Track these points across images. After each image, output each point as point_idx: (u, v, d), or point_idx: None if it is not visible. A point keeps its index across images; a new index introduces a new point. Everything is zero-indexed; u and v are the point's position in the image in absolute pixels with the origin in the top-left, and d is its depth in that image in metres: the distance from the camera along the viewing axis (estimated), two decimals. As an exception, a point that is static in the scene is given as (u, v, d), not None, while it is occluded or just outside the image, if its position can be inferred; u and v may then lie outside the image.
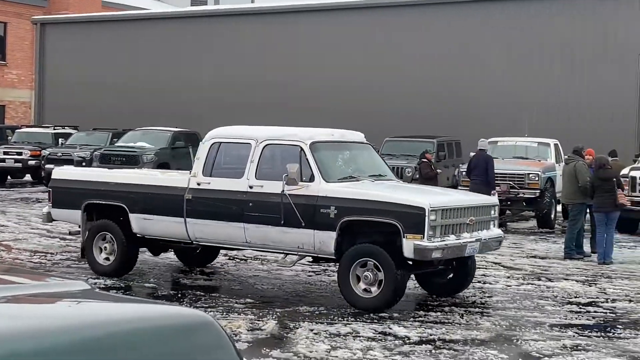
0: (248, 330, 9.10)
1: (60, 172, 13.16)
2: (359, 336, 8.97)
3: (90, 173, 14.31)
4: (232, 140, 11.84)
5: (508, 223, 20.65)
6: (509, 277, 12.98)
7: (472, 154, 19.60)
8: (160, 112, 33.66)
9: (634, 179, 18.46)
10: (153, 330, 2.30)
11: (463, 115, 28.85)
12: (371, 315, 10.01)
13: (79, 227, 12.56)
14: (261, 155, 11.16)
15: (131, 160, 25.07)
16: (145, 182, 12.15)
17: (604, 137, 25.17)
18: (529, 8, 29.54)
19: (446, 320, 9.83)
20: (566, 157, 17.34)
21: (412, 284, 11.36)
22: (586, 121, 27.46)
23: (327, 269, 12.96)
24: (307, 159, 10.79)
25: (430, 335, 9.07)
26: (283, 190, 10.56)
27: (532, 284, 12.49)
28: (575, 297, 11.60)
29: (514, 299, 11.35)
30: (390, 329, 9.32)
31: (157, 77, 35.41)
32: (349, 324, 9.51)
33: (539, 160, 21.15)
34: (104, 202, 12.25)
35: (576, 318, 10.26)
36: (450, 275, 11.57)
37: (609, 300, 11.44)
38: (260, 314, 9.98)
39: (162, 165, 25.18)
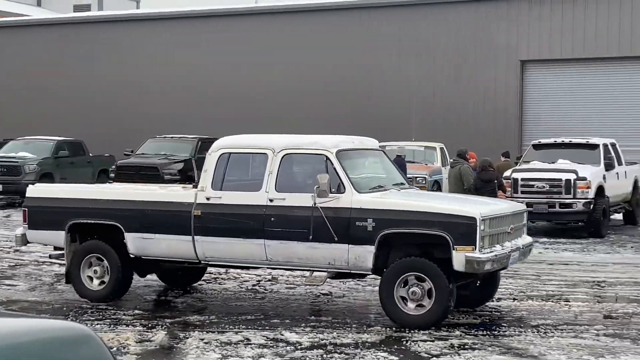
0: (137, 342, 8.96)
1: (38, 190, 11.74)
2: (250, 344, 8.97)
3: (76, 189, 12.66)
4: (244, 150, 10.97)
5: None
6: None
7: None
8: (90, 120, 33.12)
9: (515, 180, 19.14)
10: (31, 344, 2.30)
11: (355, 119, 29.18)
12: (262, 322, 10.04)
13: (57, 249, 11.55)
14: (280, 165, 10.36)
15: (12, 171, 24.34)
16: (144, 199, 11.05)
17: (488, 141, 25.95)
18: (418, 13, 30.17)
19: (337, 324, 9.91)
20: (451, 160, 17.80)
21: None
22: (471, 125, 28.22)
23: (217, 277, 12.96)
24: (334, 169, 10.11)
25: (322, 340, 9.12)
26: (315, 203, 9.85)
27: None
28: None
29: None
30: (282, 335, 9.34)
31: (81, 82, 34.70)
32: (240, 332, 9.50)
33: (426, 164, 21.66)
34: (93, 222, 11.10)
35: (463, 318, 10.47)
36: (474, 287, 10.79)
37: (494, 299, 11.72)
38: (150, 324, 9.86)
39: (45, 175, 24.57)
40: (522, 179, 19.44)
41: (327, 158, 10.16)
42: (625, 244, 19.07)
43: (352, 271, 10.30)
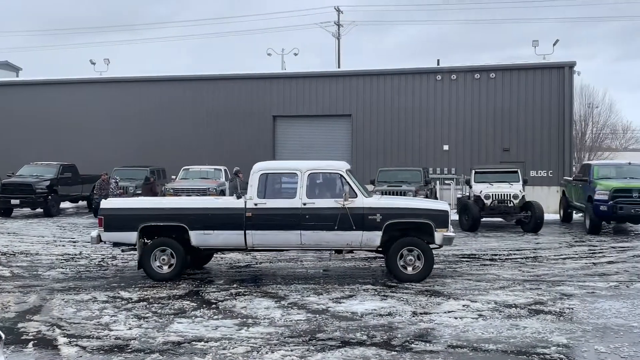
0: (16, 304, 8.42)
1: (109, 203, 10.62)
2: (97, 300, 8.67)
3: (144, 202, 11.69)
4: (278, 171, 10.43)
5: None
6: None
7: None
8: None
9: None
10: None
11: (167, 151, 28.61)
12: (105, 285, 9.71)
13: (125, 245, 10.47)
14: (307, 181, 10.13)
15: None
16: (204, 206, 10.35)
17: (250, 164, 26.34)
18: (211, 85, 30.13)
19: (158, 285, 9.76)
20: (230, 177, 17.98)
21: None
22: (246, 156, 28.61)
23: (82, 253, 12.31)
24: (348, 182, 10.09)
25: (146, 295, 8.98)
26: (344, 205, 9.87)
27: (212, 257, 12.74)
28: (238, 263, 11.92)
29: (203, 267, 11.45)
30: (119, 294, 9.09)
31: None
32: (90, 293, 9.14)
33: (215, 179, 21.72)
34: (163, 224, 10.22)
35: (238, 276, 10.60)
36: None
37: (258, 263, 11.88)
38: (26, 291, 9.26)
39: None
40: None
41: (341, 175, 10.20)
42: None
43: (362, 249, 10.33)
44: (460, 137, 28.08)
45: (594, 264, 11.89)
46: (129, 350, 6.39)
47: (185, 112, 30.08)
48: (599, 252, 13.42)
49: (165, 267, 10.17)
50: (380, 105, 28.88)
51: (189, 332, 6.99)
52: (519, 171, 19.91)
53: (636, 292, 9.04)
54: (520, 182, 19.22)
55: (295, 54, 40.11)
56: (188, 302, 8.47)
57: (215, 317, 7.68)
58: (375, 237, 9.98)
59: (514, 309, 7.99)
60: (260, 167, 10.38)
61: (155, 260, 10.17)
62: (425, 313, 7.77)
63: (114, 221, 10.16)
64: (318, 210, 9.94)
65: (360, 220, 9.94)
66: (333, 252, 10.68)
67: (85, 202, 25.55)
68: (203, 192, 20.04)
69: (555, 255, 13.00)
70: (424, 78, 28.63)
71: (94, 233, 10.38)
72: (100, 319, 7.61)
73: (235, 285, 9.65)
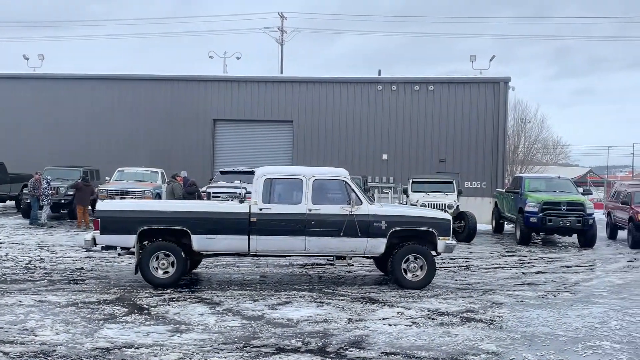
0: None
1: (106, 204, 10.15)
2: (22, 304, 8.30)
3: (145, 204, 11.34)
4: (283, 177, 10.22)
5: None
6: (130, 258, 12.77)
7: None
8: None
9: (209, 193, 19.46)
10: None
11: (107, 153, 27.84)
12: (32, 288, 9.31)
13: (121, 249, 9.98)
14: (313, 187, 9.98)
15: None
16: (207, 210, 10.09)
17: (194, 168, 26.01)
18: (156, 85, 29.54)
19: (88, 289, 9.44)
20: (168, 180, 17.64)
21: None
22: (187, 159, 28.20)
23: (8, 255, 11.77)
24: (352, 189, 10.03)
25: (76, 299, 8.67)
26: (352, 212, 9.83)
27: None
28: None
29: (192, 272, 11.20)
30: (47, 298, 8.73)
31: None
32: (15, 296, 8.74)
33: (152, 182, 21.24)
34: (163, 227, 9.78)
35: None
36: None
37: (208, 267, 11.76)
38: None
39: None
40: (213, 192, 19.78)
41: (346, 182, 10.10)
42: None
43: (365, 255, 10.31)
44: (399, 147, 28.55)
45: (524, 273, 12.28)
46: (55, 356, 6.13)
47: (122, 112, 29.36)
48: (529, 262, 13.89)
49: (165, 272, 9.76)
50: (322, 112, 29.05)
51: (118, 338, 6.78)
52: (454, 182, 20.40)
53: (562, 302, 9.38)
54: (455, 193, 19.69)
55: (238, 58, 39.86)
56: (119, 307, 8.23)
57: (147, 322, 7.48)
58: (379, 244, 9.99)
59: (446, 316, 8.14)
60: (265, 172, 10.22)
61: (154, 264, 9.75)
62: (361, 320, 7.82)
63: (111, 223, 9.67)
64: (324, 217, 9.88)
65: (365, 227, 9.92)
66: (335, 257, 10.66)
67: (13, 202, 24.49)
68: (138, 195, 19.56)
69: (486, 265, 13.36)
70: (365, 88, 28.99)
71: (88, 236, 9.88)
72: (25, 324, 7.28)
73: (169, 291, 9.44)
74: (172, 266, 9.74)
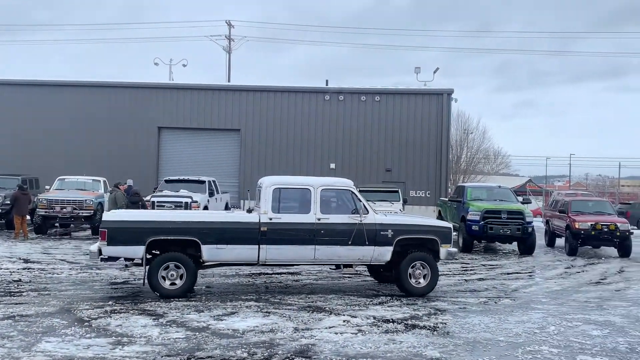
0: None
1: (113, 215, 9.94)
2: (-46, 319, 7.92)
3: (154, 214, 11.24)
4: (292, 186, 10.22)
5: (72, 233, 19.85)
6: (70, 269, 12.43)
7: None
8: None
9: (153, 202, 19.10)
10: None
11: (47, 161, 26.95)
12: (-36, 303, 8.89)
13: (128, 260, 9.68)
14: (321, 196, 10.10)
15: None
16: (217, 220, 9.96)
17: (140, 176, 25.44)
18: (89, 92, 28.82)
19: (25, 302, 9.08)
20: (110, 189, 17.22)
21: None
22: (132, 167, 27.60)
23: None
24: (359, 199, 10.26)
25: (13, 313, 8.32)
26: (361, 221, 10.03)
27: (87, 272, 12.11)
28: (115, 279, 11.38)
29: (75, 283, 10.86)
30: (-20, 311, 8.37)
31: None
32: (-54, 311, 8.34)
33: (93, 191, 20.67)
34: (173, 238, 9.56)
35: (114, 292, 10.13)
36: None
37: (136, 279, 11.40)
38: None
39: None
40: (158, 201, 19.44)
41: (352, 192, 10.31)
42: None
43: (372, 263, 10.44)
44: (347, 156, 28.77)
45: (466, 280, 12.53)
46: (-12, 373, 5.87)
47: (64, 119, 28.56)
48: (471, 270, 14.18)
49: (174, 283, 9.62)
50: (270, 121, 29.01)
51: (57, 352, 6.54)
52: (399, 191, 20.67)
53: (503, 308, 9.62)
54: (401, 202, 19.94)
55: (184, 65, 39.43)
56: (58, 320, 7.95)
57: (88, 335, 7.26)
58: (386, 252, 10.18)
59: (391, 324, 8.22)
60: (273, 182, 10.22)
61: (163, 275, 9.59)
62: (307, 329, 7.80)
63: (119, 234, 9.39)
64: (333, 226, 9.98)
65: (373, 235, 10.09)
66: (342, 266, 10.98)
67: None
68: (79, 204, 19.02)
69: (431, 272, 13.57)
70: (312, 97, 29.14)
71: (94, 247, 9.57)
72: (-44, 340, 6.94)
73: (110, 303, 9.19)
74: (181, 278, 9.63)
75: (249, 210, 10.48)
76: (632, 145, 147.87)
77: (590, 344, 7.43)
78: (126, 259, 9.69)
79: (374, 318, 8.53)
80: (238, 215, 10.41)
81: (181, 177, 22.29)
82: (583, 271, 14.77)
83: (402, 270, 10.28)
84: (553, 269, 15.06)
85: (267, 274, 12.60)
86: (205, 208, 20.34)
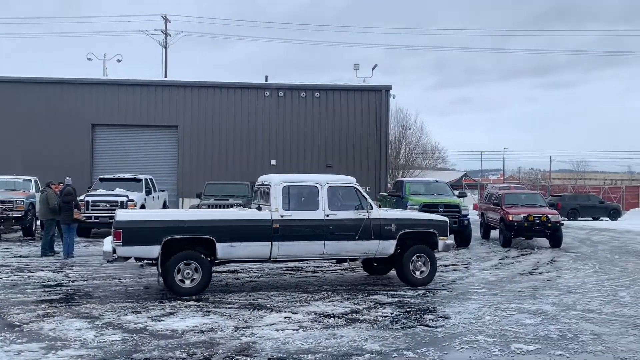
0: None
1: (128, 215, 9.90)
2: None
3: (170, 213, 11.45)
4: (300, 184, 10.52)
5: (2, 235, 19.03)
6: (0, 272, 11.94)
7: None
8: None
9: (87, 202, 18.57)
10: None
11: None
12: None
13: (135, 259, 9.79)
14: (328, 193, 10.44)
15: None
16: (231, 218, 10.13)
17: (65, 174, 24.67)
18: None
19: (-52, 308, 8.66)
20: (42, 188, 16.59)
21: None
22: (64, 166, 26.66)
23: None
24: (362, 195, 10.69)
25: None
26: (369, 216, 10.47)
27: (18, 275, 11.66)
28: (49, 282, 11.04)
29: (5, 286, 10.40)
30: None
31: None
32: None
33: (24, 191, 19.89)
34: (189, 237, 9.62)
35: (47, 295, 9.78)
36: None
37: (70, 281, 11.15)
38: None
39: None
40: (92, 201, 18.91)
41: (356, 189, 10.69)
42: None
43: (376, 257, 10.88)
44: (288, 153, 28.75)
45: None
46: None
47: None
48: (410, 263, 14.43)
49: (190, 282, 9.72)
50: (209, 117, 28.64)
51: (-15, 360, 6.26)
52: (340, 187, 20.78)
53: (441, 299, 9.84)
54: (342, 197, 20.04)
55: (119, 60, 38.41)
56: (-14, 327, 7.60)
57: (19, 340, 6.97)
58: (390, 246, 10.72)
59: (332, 318, 8.27)
60: (282, 180, 10.45)
61: (178, 274, 9.66)
62: (248, 327, 7.76)
63: (135, 234, 9.36)
64: (341, 222, 10.34)
65: (378, 230, 10.55)
66: (349, 260, 11.38)
67: None
68: (9, 205, 18.26)
69: (371, 267, 13.74)
70: (252, 93, 28.95)
71: (107, 247, 9.57)
72: None
73: (43, 306, 8.87)
74: (196, 276, 9.73)
75: (259, 208, 10.64)
76: (562, 140, 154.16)
77: (523, 332, 7.69)
78: (140, 259, 9.73)
79: (315, 314, 8.56)
80: (250, 213, 10.51)
81: (116, 176, 21.73)
82: (517, 262, 15.28)
83: (405, 263, 10.85)
84: (488, 260, 15.51)
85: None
86: (142, 207, 19.91)
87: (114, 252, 9.42)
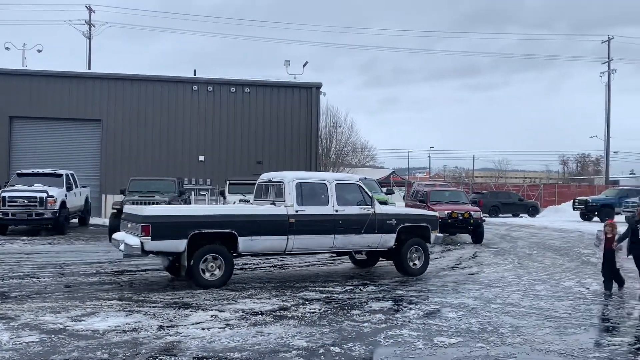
0: None
1: (156, 210, 10.28)
2: None
3: (195, 208, 11.75)
4: (310, 181, 11.17)
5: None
6: None
7: None
8: None
9: (4, 197, 17.76)
10: None
11: None
12: None
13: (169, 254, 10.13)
14: (336, 190, 11.12)
15: None
16: (252, 213, 10.52)
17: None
18: None
19: None
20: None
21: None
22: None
23: None
24: (365, 192, 11.44)
25: None
26: (375, 212, 11.30)
27: None
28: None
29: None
30: None
31: None
32: None
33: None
34: (213, 231, 10.00)
35: (-43, 297, 9.27)
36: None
37: (4, 278, 10.62)
38: None
39: None
40: (9, 197, 18.09)
41: (360, 186, 11.49)
42: (79, 237, 18.81)
43: (378, 249, 11.71)
44: (217, 148, 28.39)
45: (334, 269, 12.85)
46: None
47: None
48: (338, 260, 14.57)
49: (214, 274, 10.09)
50: (134, 112, 27.89)
51: None
52: (270, 183, 20.71)
53: (367, 295, 9.97)
54: (271, 194, 19.99)
55: (39, 51, 36.85)
56: None
57: None
58: (390, 239, 11.63)
59: (260, 316, 8.23)
60: (294, 177, 11.04)
61: (203, 268, 10.00)
62: (173, 326, 7.60)
63: (164, 229, 9.66)
64: (348, 216, 11.06)
65: (380, 224, 11.39)
66: (355, 253, 12.27)
67: None
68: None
69: (300, 263, 13.78)
70: (179, 87, 28.40)
71: (134, 241, 9.57)
72: None
73: (-48, 308, 8.38)
74: (219, 269, 10.10)
75: (273, 202, 11.01)
76: (485, 139, 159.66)
77: (446, 325, 7.91)
78: (166, 253, 9.99)
79: (243, 311, 8.49)
80: (268, 209, 10.85)
81: (35, 171, 20.81)
82: (441, 257, 15.70)
83: (403, 254, 11.77)
84: (414, 256, 15.83)
85: (131, 271, 12.14)
86: (63, 204, 19.19)
87: (142, 246, 9.52)
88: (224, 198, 20.09)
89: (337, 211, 10.98)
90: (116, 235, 10.56)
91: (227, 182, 20.59)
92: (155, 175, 24.57)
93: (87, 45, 42.26)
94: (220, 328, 7.53)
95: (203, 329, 7.49)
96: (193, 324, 7.70)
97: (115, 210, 18.04)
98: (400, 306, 9.11)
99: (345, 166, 59.59)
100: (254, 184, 21.23)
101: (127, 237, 9.92)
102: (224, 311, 8.47)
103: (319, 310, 8.72)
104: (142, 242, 9.54)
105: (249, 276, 11.74)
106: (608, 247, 10.69)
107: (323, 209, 10.90)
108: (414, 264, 11.92)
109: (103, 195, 26.99)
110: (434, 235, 12.14)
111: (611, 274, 10.76)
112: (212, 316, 8.16)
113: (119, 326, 7.53)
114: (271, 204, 11.04)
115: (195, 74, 29.55)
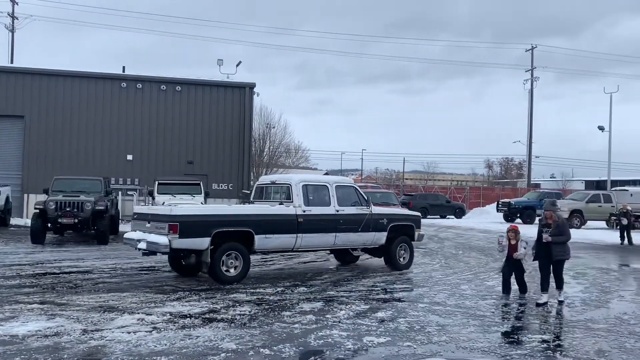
0: None
1: (183, 209, 10.55)
2: None
3: (218, 208, 13.14)
4: (314, 183, 11.95)
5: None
6: None
7: None
8: None
9: None
10: None
11: None
12: None
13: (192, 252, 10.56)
14: (336, 191, 11.97)
15: None
16: (267, 212, 11.20)
17: None
18: None
19: None
20: None
21: None
22: None
23: None
24: (361, 194, 12.43)
25: None
26: (371, 212, 12.31)
27: None
28: None
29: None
30: None
31: None
32: None
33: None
34: (233, 229, 10.60)
35: None
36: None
37: None
38: None
39: None
40: None
41: (356, 188, 12.50)
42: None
43: (371, 246, 12.73)
44: (145, 148, 27.77)
45: (265, 271, 12.80)
46: None
47: None
48: (270, 260, 14.53)
49: (233, 270, 10.66)
50: (59, 108, 26.90)
51: None
52: (201, 184, 20.48)
53: (298, 296, 9.97)
54: (202, 195, 19.76)
55: (-44, 42, 34.83)
56: None
57: None
58: (382, 237, 12.70)
59: (188, 319, 8.08)
60: (300, 179, 11.85)
61: (223, 265, 10.54)
62: (97, 330, 7.35)
63: (190, 227, 10.11)
64: (348, 216, 11.95)
65: (374, 223, 12.38)
66: (352, 249, 13.15)
67: None
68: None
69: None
70: (107, 84, 27.62)
71: (161, 239, 9.92)
72: None
73: None
74: (237, 266, 10.68)
75: (280, 203, 11.68)
76: (415, 142, 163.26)
77: (375, 325, 8.02)
78: (191, 251, 10.40)
79: (171, 314, 8.32)
80: (279, 208, 11.45)
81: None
82: (370, 257, 15.92)
83: (392, 251, 12.89)
84: (350, 256, 15.96)
85: (55, 274, 11.68)
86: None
87: (170, 244, 9.90)
88: (153, 198, 19.67)
89: (338, 211, 11.84)
90: (131, 235, 10.92)
91: (156, 182, 20.19)
92: (81, 174, 23.75)
93: (9, 39, 40.42)
94: (147, 332, 7.34)
95: (129, 332, 7.28)
96: (118, 328, 7.48)
97: (37, 210, 17.32)
98: (331, 307, 9.16)
99: (279, 167, 59.46)
100: (184, 184, 21.02)
101: (149, 236, 10.27)
102: (151, 314, 8.27)
103: (249, 312, 8.66)
104: (170, 240, 9.95)
105: (178, 278, 11.51)
106: (511, 254, 10.37)
107: (326, 209, 11.73)
108: (402, 259, 13.05)
109: (25, 195, 25.87)
110: (418, 233, 13.33)
111: (511, 278, 10.47)
112: (138, 319, 7.95)
113: (39, 330, 7.22)
114: (280, 203, 11.69)
115: (124, 71, 28.79)
